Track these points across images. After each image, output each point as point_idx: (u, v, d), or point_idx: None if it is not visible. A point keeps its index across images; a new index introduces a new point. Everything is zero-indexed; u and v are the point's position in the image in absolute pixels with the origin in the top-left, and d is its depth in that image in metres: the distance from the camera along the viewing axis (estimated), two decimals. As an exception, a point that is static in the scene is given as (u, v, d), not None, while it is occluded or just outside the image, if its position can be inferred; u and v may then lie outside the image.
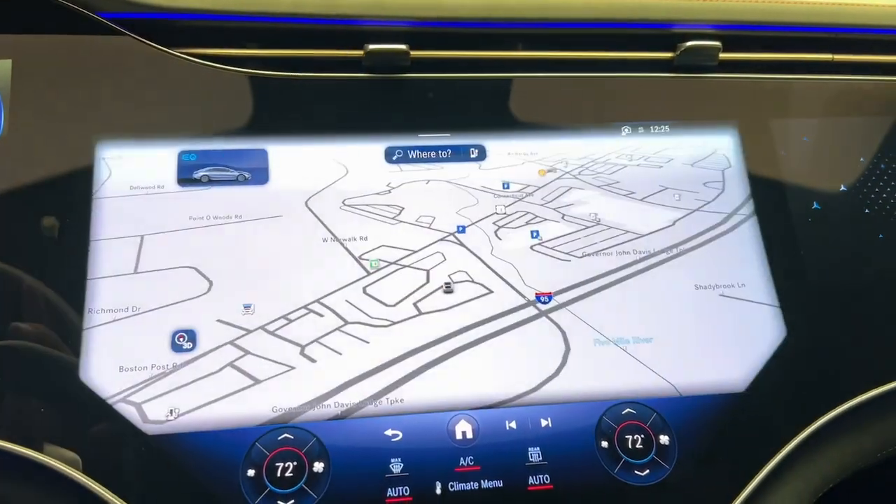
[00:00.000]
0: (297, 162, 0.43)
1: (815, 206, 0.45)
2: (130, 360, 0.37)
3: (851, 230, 0.45)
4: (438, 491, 0.37)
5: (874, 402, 0.41)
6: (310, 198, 0.42)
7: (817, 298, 0.43)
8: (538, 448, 0.38)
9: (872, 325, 0.43)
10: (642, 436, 0.39)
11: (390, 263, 0.42)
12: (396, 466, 0.37)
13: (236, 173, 0.42)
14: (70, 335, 0.37)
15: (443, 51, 0.46)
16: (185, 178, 0.42)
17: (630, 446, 0.39)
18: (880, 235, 0.45)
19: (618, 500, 0.38)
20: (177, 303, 0.39)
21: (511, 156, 0.45)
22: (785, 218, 0.44)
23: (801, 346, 0.42)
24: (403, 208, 0.43)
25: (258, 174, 0.42)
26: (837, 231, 0.45)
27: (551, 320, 0.41)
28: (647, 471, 0.38)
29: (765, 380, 0.41)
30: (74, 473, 0.35)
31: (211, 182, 0.42)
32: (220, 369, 0.38)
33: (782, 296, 0.43)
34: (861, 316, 0.43)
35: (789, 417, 0.40)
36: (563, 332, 0.41)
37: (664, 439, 0.39)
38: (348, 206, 0.43)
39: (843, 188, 0.45)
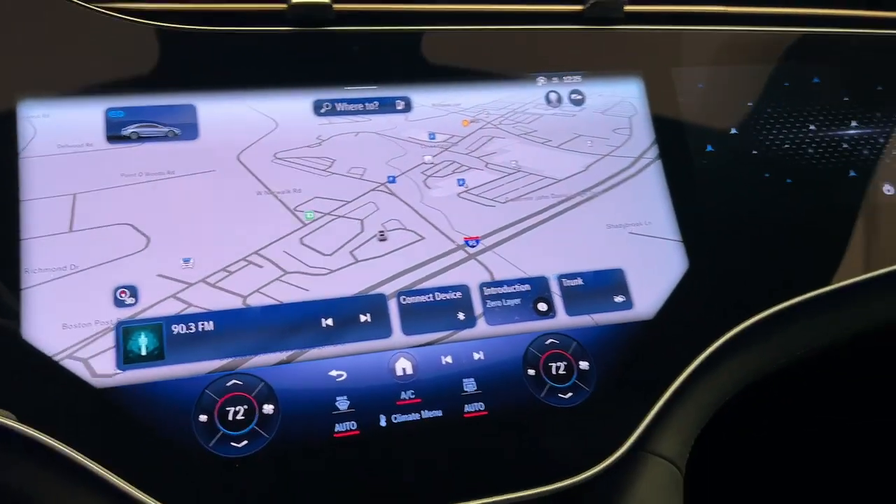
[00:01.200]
0: (226, 117, 0.44)
1: (708, 148, 0.49)
2: (73, 318, 0.38)
3: (741, 170, 0.50)
4: (383, 423, 0.40)
5: (765, 322, 0.46)
6: (241, 152, 0.43)
7: (714, 232, 0.47)
8: (472, 379, 0.42)
9: (761, 254, 0.48)
10: (564, 363, 0.43)
11: (325, 214, 0.43)
12: (342, 404, 0.40)
13: (166, 129, 0.42)
14: (7, 295, 0.37)
15: (365, 4, 0.47)
16: (114, 135, 0.42)
17: (554, 373, 0.43)
18: (766, 175, 0.50)
19: (545, 422, 0.42)
20: (115, 259, 0.40)
21: (436, 107, 0.47)
22: (684, 160, 0.49)
23: (701, 275, 0.46)
24: (335, 160, 0.44)
25: (188, 130, 0.43)
26: (729, 171, 0.49)
27: (479, 262, 0.44)
28: (570, 394, 0.42)
29: (670, 307, 0.45)
30: (27, 430, 0.35)
31: (141, 139, 0.42)
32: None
33: (684, 231, 0.47)
34: (752, 246, 0.48)
35: (693, 339, 0.45)
36: (490, 273, 0.44)
37: (584, 365, 0.43)
38: (280, 159, 0.44)
39: (733, 131, 0.50)
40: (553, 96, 0.49)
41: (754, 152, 0.50)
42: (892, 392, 0.72)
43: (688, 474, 0.44)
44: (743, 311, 0.46)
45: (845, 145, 0.52)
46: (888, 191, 0.52)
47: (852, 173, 0.52)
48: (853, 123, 0.53)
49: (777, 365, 0.49)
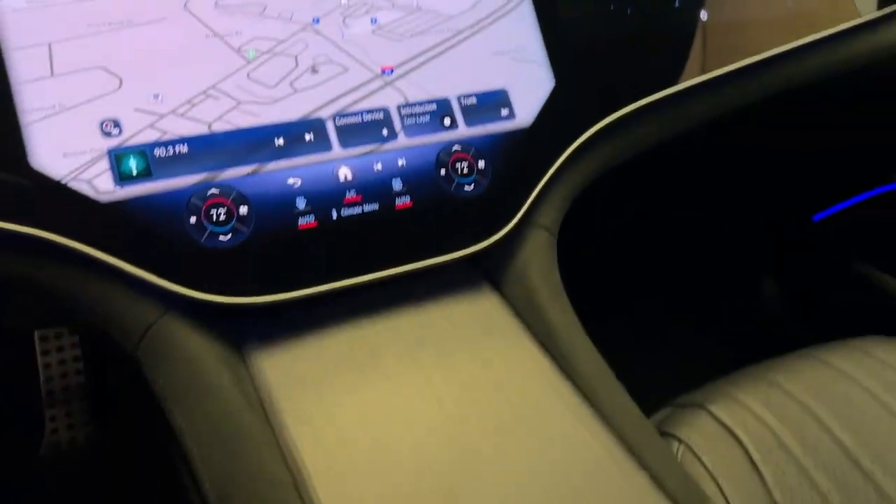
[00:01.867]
0: (167, -31, 0.50)
1: None
2: (71, 147, 0.46)
3: (591, 4, 0.62)
4: (335, 216, 0.51)
5: (618, 120, 0.60)
6: (187, 1, 0.50)
7: (573, 53, 0.60)
8: (399, 179, 0.54)
9: (612, 68, 0.62)
10: (467, 163, 0.56)
11: (264, 52, 0.52)
12: (301, 203, 0.51)
13: (117, -18, 0.49)
14: (11, 132, 0.45)
15: None
16: (74, -12, 0.48)
17: (459, 171, 0.55)
18: (612, 6, 0.62)
19: (454, 208, 0.55)
20: (96, 98, 0.47)
21: (347, -44, 0.55)
22: None
23: (565, 88, 0.59)
24: (266, 5, 0.53)
25: (136, -18, 0.49)
26: (582, 5, 0.62)
27: (395, 88, 0.55)
28: (473, 186, 0.55)
29: (543, 115, 0.58)
30: (53, 237, 0.44)
31: (97, -9, 0.48)
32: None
33: (551, 54, 0.59)
34: (604, 63, 0.61)
35: (561, 138, 0.59)
36: (405, 96, 0.55)
37: (481, 164, 0.56)
38: (221, 6, 0.51)
39: None
40: (443, -56, 0.58)
41: None
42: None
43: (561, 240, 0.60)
44: (598, 113, 0.60)
45: (672, -20, 0.65)
46: (703, 17, 0.66)
47: (676, 3, 0.65)
48: (679, -38, 0.66)
49: (630, 152, 0.64)
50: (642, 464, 0.47)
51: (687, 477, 0.49)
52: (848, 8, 0.74)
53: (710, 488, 0.56)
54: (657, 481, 0.46)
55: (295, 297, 0.50)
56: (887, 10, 0.76)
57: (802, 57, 0.73)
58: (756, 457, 0.59)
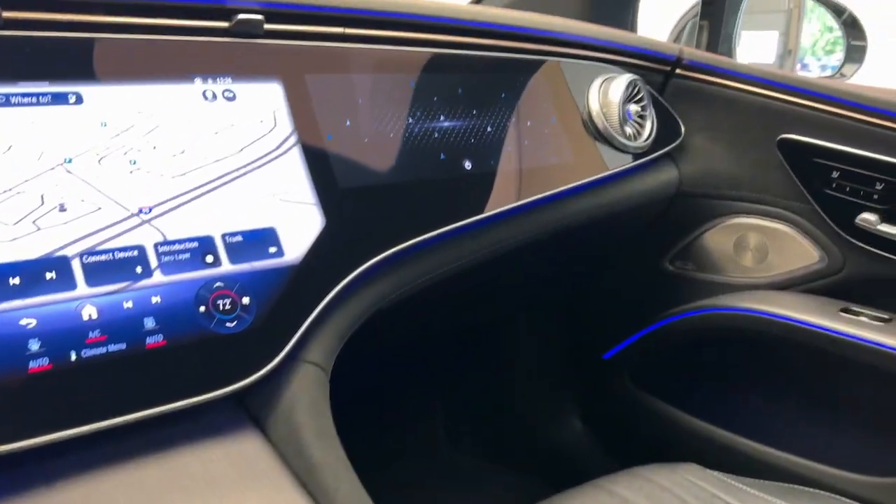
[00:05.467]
0: None
1: (329, 137, 0.64)
2: None
3: (358, 152, 0.66)
4: (73, 358, 0.48)
5: (380, 263, 0.62)
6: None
7: (340, 197, 0.63)
8: (152, 317, 0.51)
9: (377, 212, 0.65)
10: (229, 300, 0.55)
11: (6, 191, 0.50)
12: (34, 345, 0.47)
13: None
14: None
15: (35, 13, 0.54)
16: None
17: (221, 308, 0.54)
18: (375, 156, 0.67)
19: (214, 345, 0.53)
20: None
21: (105, 101, 0.56)
22: (316, 144, 0.63)
23: (333, 229, 0.61)
24: (11, 145, 0.51)
25: None
26: (349, 153, 0.65)
27: (153, 226, 0.54)
28: (235, 322, 0.54)
29: (312, 254, 0.59)
30: None
31: None
32: None
33: (320, 196, 0.62)
34: (369, 207, 0.64)
35: (328, 277, 0.60)
36: (163, 234, 0.54)
37: (246, 300, 0.55)
38: (-43, 143, 0.49)
39: (348, 123, 0.66)
40: (209, 94, 0.61)
41: (366, 140, 0.67)
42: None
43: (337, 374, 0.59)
44: (366, 253, 0.62)
45: (436, 134, 0.71)
46: (468, 166, 0.72)
47: (442, 156, 0.71)
48: (441, 118, 0.72)
49: (396, 296, 0.66)
50: None
51: None
52: (597, 163, 0.84)
53: None
54: None
55: (18, 449, 0.45)
56: (634, 163, 0.87)
57: (567, 201, 0.81)
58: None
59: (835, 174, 0.84)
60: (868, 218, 0.82)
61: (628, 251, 1.03)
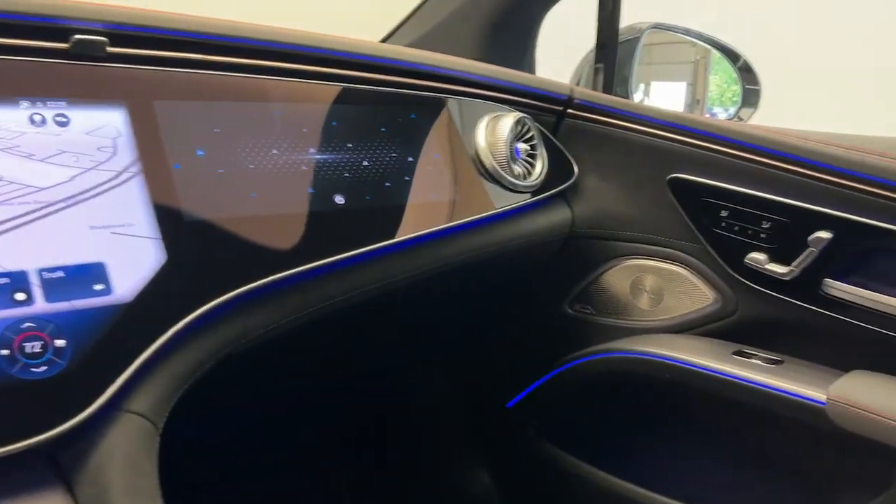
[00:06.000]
0: None
1: (176, 166, 0.60)
2: None
3: (209, 184, 0.61)
4: None
5: (225, 304, 0.57)
6: None
7: (184, 231, 0.58)
8: (-61, 362, 0.45)
9: (221, 248, 0.59)
10: (40, 342, 0.49)
11: None
12: None
13: None
14: None
15: None
16: None
17: (29, 351, 0.48)
18: (232, 190, 0.62)
19: (19, 392, 0.47)
20: None
21: None
22: (162, 175, 0.59)
23: (176, 265, 0.56)
24: None
25: None
26: (198, 185, 0.60)
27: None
28: (45, 367, 0.48)
29: (147, 292, 0.54)
30: None
31: None
32: None
33: (162, 229, 0.57)
34: (213, 243, 0.59)
35: (164, 318, 0.54)
36: (-32, 268, 0.48)
37: (60, 343, 0.50)
38: None
39: (200, 153, 0.62)
40: (37, 118, 0.56)
41: (220, 171, 0.62)
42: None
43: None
44: (208, 294, 0.57)
45: (304, 167, 0.67)
46: (339, 201, 0.68)
47: (311, 189, 0.67)
48: (311, 150, 0.69)
49: (248, 341, 0.60)
50: None
51: None
52: (484, 201, 0.82)
53: None
54: None
55: None
56: (523, 202, 0.84)
57: (451, 238, 0.77)
58: None
59: (724, 213, 0.83)
60: (756, 257, 0.81)
61: (529, 295, 1.00)
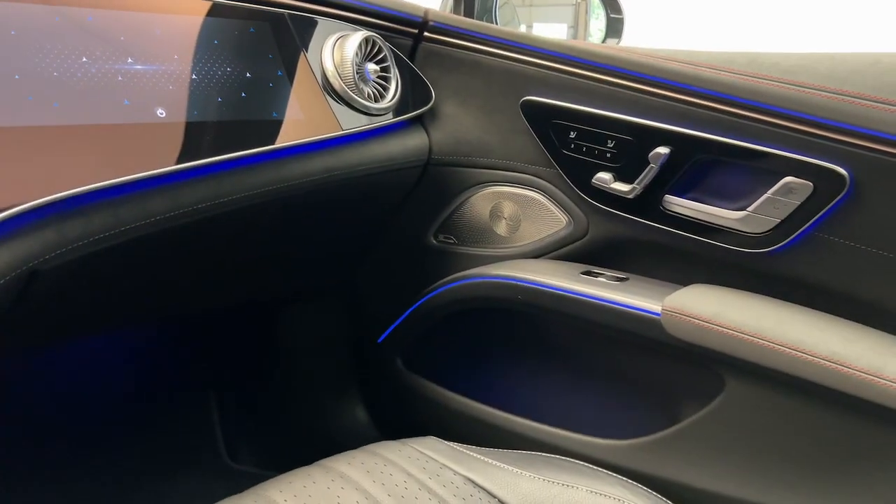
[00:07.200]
0: None
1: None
2: None
3: (9, 89, 0.57)
4: None
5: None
6: None
7: None
8: None
9: (47, 155, 0.56)
10: None
11: None
12: None
13: None
14: None
15: None
16: None
17: None
18: (29, 97, 0.58)
19: None
20: None
21: None
22: None
23: None
24: None
25: None
26: None
27: None
28: None
29: None
30: None
31: None
32: None
33: None
34: (34, 148, 0.55)
35: None
36: None
37: None
38: None
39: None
40: None
41: (17, 76, 0.57)
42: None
43: None
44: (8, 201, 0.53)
45: (120, 77, 0.63)
46: (161, 114, 0.65)
47: (126, 101, 0.63)
48: (128, 60, 0.65)
49: (58, 255, 0.57)
50: None
51: None
52: (330, 123, 0.79)
53: None
54: None
55: None
56: (373, 125, 0.82)
57: (293, 160, 0.75)
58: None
59: (573, 135, 0.83)
60: (603, 177, 0.82)
61: (395, 229, 0.99)
